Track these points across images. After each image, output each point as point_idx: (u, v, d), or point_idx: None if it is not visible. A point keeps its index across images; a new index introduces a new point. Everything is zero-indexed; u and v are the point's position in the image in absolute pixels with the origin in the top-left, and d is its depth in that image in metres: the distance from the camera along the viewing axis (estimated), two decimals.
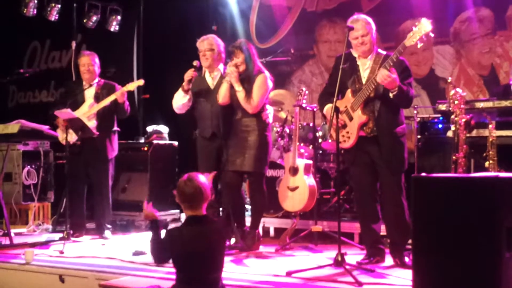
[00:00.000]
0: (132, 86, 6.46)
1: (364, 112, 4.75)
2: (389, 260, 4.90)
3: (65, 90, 6.98)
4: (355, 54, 4.88)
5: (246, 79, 5.48)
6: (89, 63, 6.52)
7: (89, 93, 6.51)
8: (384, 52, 4.83)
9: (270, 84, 5.57)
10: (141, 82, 6.57)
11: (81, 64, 6.56)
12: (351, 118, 4.81)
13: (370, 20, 4.83)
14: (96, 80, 6.55)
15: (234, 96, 5.51)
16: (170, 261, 3.63)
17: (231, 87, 5.50)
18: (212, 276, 3.61)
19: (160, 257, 3.67)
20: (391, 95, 4.58)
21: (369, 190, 4.91)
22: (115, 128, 6.63)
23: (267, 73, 5.58)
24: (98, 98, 6.44)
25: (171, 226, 7.38)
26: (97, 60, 6.60)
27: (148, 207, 3.67)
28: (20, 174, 7.41)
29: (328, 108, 4.90)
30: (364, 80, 4.79)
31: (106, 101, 6.35)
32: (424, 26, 4.46)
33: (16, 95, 10.59)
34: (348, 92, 4.84)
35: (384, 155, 4.75)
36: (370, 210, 4.93)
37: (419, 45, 4.56)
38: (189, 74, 5.67)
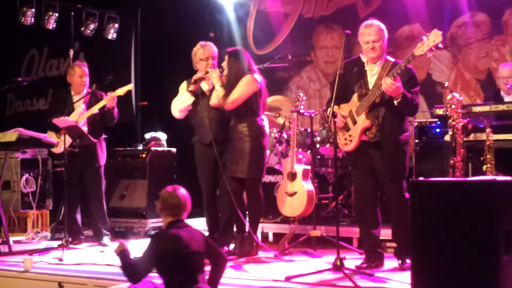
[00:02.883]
0: (122, 91, 6.44)
1: (368, 117, 4.76)
2: (388, 264, 4.91)
3: (54, 99, 6.98)
4: (363, 59, 4.89)
5: (234, 83, 5.48)
6: (87, 74, 6.55)
7: (79, 102, 6.51)
8: (392, 59, 4.82)
9: (257, 85, 5.54)
10: (130, 86, 6.57)
11: (78, 75, 6.54)
12: (354, 122, 4.82)
13: (383, 27, 4.82)
14: (85, 90, 6.57)
15: None
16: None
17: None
18: (202, 275, 3.70)
19: (140, 273, 3.70)
20: (395, 102, 4.59)
21: (369, 194, 4.90)
22: (104, 135, 6.65)
23: (256, 75, 5.58)
24: (88, 106, 6.46)
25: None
26: (87, 71, 6.64)
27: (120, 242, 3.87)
28: (18, 182, 7.41)
29: (328, 110, 4.92)
30: (371, 86, 4.79)
31: (96, 108, 6.36)
32: (435, 37, 4.43)
33: (14, 103, 10.61)
34: (354, 96, 4.84)
35: (385, 160, 4.75)
36: (370, 214, 4.92)
37: (428, 55, 4.59)
38: (198, 75, 5.69)
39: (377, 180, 4.86)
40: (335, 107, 4.87)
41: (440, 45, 4.49)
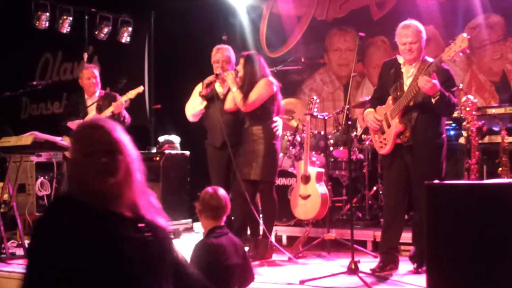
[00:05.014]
0: (132, 94, 6.44)
1: (402, 121, 4.69)
2: (402, 267, 4.89)
3: (68, 103, 7.03)
4: (400, 61, 4.80)
5: (249, 87, 5.50)
6: (95, 75, 6.57)
7: (92, 105, 6.53)
8: (431, 60, 4.70)
9: (273, 88, 5.57)
10: (140, 89, 6.57)
11: (85, 78, 6.59)
12: (389, 125, 4.76)
13: (422, 27, 4.72)
14: (98, 92, 6.60)
15: None
16: None
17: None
18: None
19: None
20: (433, 100, 4.48)
21: (399, 197, 4.84)
22: None
23: (271, 78, 5.60)
24: (100, 109, 6.48)
25: (183, 235, 7.40)
26: (97, 73, 6.67)
27: None
28: (33, 185, 7.44)
29: (365, 113, 4.93)
30: (406, 88, 4.70)
31: (107, 112, 6.36)
32: (461, 42, 4.35)
33: (29, 107, 10.68)
34: (389, 99, 4.78)
35: (418, 164, 4.68)
36: (396, 217, 4.86)
37: (456, 60, 4.52)
38: (209, 79, 5.71)
39: (409, 182, 4.78)
40: (371, 110, 4.85)
41: (467, 50, 4.41)
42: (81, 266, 1.94)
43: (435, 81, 4.44)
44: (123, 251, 1.98)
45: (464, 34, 4.37)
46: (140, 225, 2.03)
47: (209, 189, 3.77)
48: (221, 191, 3.75)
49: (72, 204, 2.03)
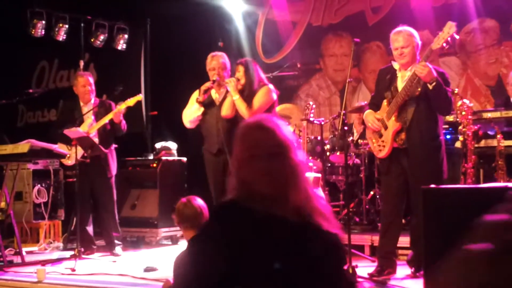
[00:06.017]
0: (132, 102, 6.46)
1: (398, 120, 4.71)
2: (400, 272, 4.89)
3: (62, 111, 7.01)
4: (396, 67, 4.84)
5: (249, 94, 5.51)
6: (90, 83, 6.57)
7: (88, 113, 6.53)
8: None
9: (274, 96, 5.58)
10: (140, 97, 6.56)
11: (80, 85, 6.58)
12: (386, 127, 4.78)
13: (414, 32, 4.77)
14: (93, 99, 6.61)
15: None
16: None
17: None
18: None
19: None
20: (430, 86, 4.49)
21: (396, 201, 4.84)
22: (114, 145, 6.67)
23: (271, 86, 5.61)
24: (96, 116, 6.48)
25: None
26: (92, 80, 6.68)
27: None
28: (30, 193, 7.44)
29: (365, 114, 4.94)
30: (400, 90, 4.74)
31: (105, 120, 6.36)
32: (449, 28, 4.42)
33: (25, 115, 10.67)
34: (384, 102, 4.81)
35: (413, 167, 4.68)
36: (394, 222, 4.86)
37: (446, 47, 4.55)
38: (206, 85, 5.71)
39: (406, 186, 4.78)
40: (370, 111, 4.87)
41: (456, 36, 4.45)
42: (241, 273, 1.89)
43: (431, 67, 4.47)
44: (285, 258, 1.90)
45: (450, 22, 4.43)
46: (305, 231, 1.95)
47: (183, 199, 3.72)
48: (196, 200, 3.70)
49: (235, 209, 1.97)
